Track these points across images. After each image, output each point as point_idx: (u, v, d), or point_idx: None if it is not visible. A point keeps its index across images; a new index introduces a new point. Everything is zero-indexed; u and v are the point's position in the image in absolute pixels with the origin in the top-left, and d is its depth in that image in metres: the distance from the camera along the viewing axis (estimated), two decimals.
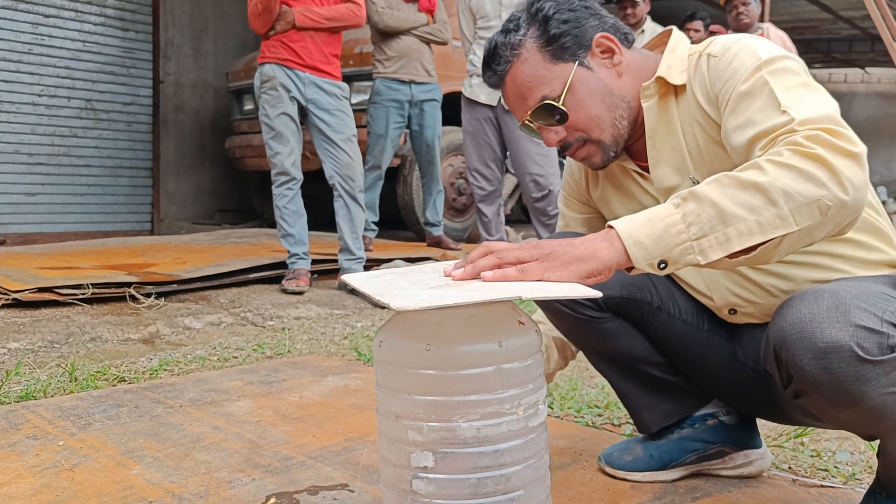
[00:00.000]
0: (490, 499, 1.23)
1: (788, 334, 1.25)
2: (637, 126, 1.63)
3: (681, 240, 1.23)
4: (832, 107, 1.33)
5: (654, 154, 1.62)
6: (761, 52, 1.44)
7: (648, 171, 1.65)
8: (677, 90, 1.58)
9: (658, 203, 1.58)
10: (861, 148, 1.24)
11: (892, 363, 1.20)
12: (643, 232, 1.24)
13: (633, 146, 1.67)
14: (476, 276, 1.25)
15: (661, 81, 1.58)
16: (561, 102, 1.56)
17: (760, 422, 1.88)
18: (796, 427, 2.13)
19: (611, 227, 1.27)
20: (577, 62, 1.57)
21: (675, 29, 1.67)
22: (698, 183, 1.51)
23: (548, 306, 1.78)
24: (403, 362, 1.24)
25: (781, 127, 1.30)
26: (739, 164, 1.37)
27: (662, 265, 1.25)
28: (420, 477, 1.24)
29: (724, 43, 1.52)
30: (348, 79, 5.63)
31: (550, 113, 1.57)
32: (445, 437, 1.22)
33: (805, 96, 1.35)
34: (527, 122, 1.62)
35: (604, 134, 1.59)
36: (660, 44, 1.70)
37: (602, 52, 1.59)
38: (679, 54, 1.60)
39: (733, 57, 1.47)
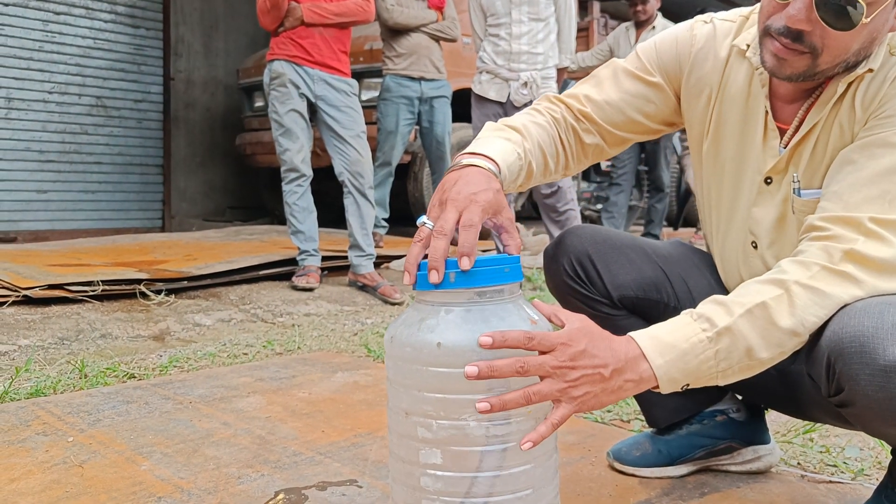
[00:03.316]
0: (498, 497, 1.22)
1: (847, 346, 1.21)
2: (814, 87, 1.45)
3: (709, 372, 1.27)
4: None
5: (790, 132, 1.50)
6: None
7: (782, 135, 1.51)
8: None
9: (765, 170, 1.53)
10: None
11: None
12: (677, 368, 1.25)
13: (787, 96, 1.49)
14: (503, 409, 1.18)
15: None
16: (863, 13, 1.27)
17: (770, 417, 1.88)
18: (805, 423, 2.12)
19: (644, 357, 1.24)
20: None
21: None
22: (798, 185, 1.48)
23: (563, 299, 1.76)
24: (414, 358, 1.23)
25: (859, 224, 1.29)
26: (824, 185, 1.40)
27: (684, 387, 1.28)
28: (429, 474, 1.24)
29: None
30: (358, 75, 5.64)
31: (847, 4, 1.27)
32: (454, 436, 1.21)
33: None
34: None
35: (827, 63, 1.34)
36: None
37: None
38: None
39: None
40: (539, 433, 1.18)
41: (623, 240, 1.74)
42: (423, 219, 1.30)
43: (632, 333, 1.27)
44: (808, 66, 1.35)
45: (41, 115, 7.36)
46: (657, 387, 1.26)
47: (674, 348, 1.25)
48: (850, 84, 1.39)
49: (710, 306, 1.29)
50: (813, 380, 1.36)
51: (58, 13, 7.42)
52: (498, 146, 1.46)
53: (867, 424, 1.30)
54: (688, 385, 1.27)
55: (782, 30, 1.32)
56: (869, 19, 1.27)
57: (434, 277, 1.21)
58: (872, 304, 1.23)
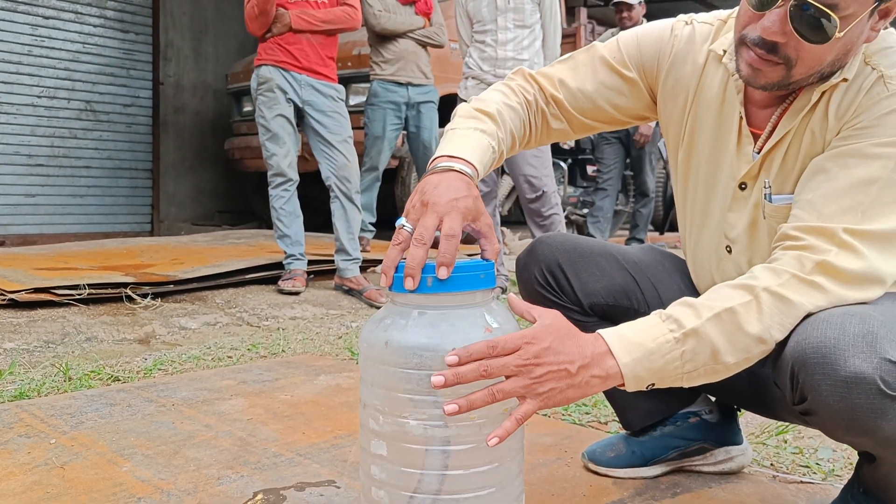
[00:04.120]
0: (457, 495, 1.25)
1: (810, 356, 1.23)
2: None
3: (675, 373, 1.28)
4: None
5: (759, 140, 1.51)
6: None
7: (755, 140, 1.51)
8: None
9: (739, 176, 1.53)
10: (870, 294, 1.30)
11: None
12: (643, 367, 1.26)
13: (761, 101, 1.50)
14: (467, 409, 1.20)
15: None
16: (837, 27, 1.26)
17: (745, 419, 1.90)
18: (779, 424, 2.15)
19: (611, 354, 1.26)
20: (872, 9, 1.29)
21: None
22: (769, 191, 1.48)
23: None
24: (368, 354, 1.29)
25: (833, 235, 1.30)
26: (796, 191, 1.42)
27: (649, 386, 1.30)
28: (377, 464, 1.29)
29: None
30: (346, 81, 5.66)
31: (821, 17, 1.27)
32: (396, 432, 1.26)
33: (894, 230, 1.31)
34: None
35: (801, 74, 1.35)
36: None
37: (882, 17, 1.33)
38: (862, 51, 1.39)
39: None
40: (504, 429, 1.20)
41: (593, 247, 1.76)
42: (403, 221, 1.33)
43: (600, 331, 1.29)
44: (782, 77, 1.35)
45: (30, 120, 7.36)
46: (623, 384, 1.28)
47: (640, 347, 1.27)
48: (823, 92, 1.40)
49: (679, 308, 1.31)
50: (779, 388, 1.38)
51: (47, 17, 7.43)
52: (474, 144, 1.48)
53: (830, 433, 1.32)
54: (653, 384, 1.29)
55: (757, 40, 1.33)
56: (843, 33, 1.27)
57: (409, 284, 1.25)
58: (835, 314, 1.24)
